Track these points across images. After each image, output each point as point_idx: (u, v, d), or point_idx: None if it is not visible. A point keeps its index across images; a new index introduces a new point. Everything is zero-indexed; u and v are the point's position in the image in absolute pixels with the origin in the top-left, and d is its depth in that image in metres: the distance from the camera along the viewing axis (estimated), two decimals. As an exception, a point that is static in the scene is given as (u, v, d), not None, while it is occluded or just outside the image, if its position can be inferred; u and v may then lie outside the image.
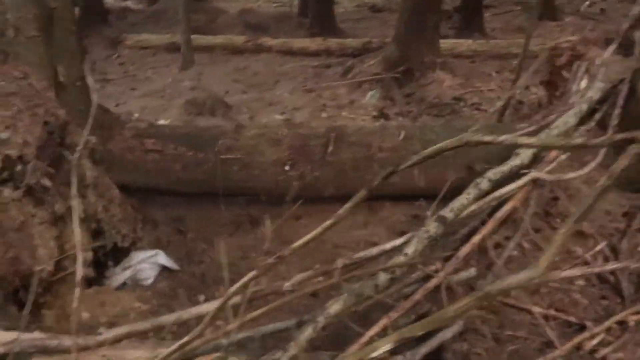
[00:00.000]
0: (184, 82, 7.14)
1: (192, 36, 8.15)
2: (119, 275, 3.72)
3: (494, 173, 3.06)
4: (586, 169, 3.38)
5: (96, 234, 3.48)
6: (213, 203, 4.11)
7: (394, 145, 3.85)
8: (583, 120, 3.78)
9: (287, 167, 3.79)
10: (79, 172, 3.26)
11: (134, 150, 3.73)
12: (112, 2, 11.75)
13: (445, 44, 7.18)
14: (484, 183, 2.98)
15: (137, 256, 3.83)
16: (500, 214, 2.95)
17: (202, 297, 3.62)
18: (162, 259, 3.81)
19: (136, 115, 5.95)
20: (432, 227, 2.65)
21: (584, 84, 4.14)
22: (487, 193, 3.06)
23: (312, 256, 3.69)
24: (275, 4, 11.93)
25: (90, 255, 3.33)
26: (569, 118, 3.65)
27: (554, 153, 3.38)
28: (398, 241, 2.88)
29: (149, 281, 3.74)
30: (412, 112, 5.65)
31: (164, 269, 3.86)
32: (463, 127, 4.20)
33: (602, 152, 3.47)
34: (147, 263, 3.77)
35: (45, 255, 2.91)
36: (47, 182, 2.95)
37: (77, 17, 9.91)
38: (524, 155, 3.25)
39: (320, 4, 9.43)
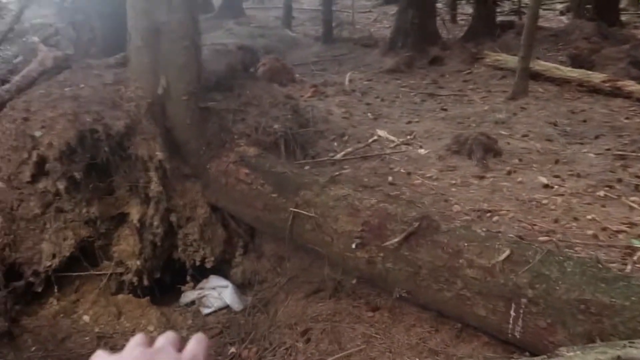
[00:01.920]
0: (498, 114, 6.77)
1: (551, 65, 7.63)
2: (189, 293, 4.05)
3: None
4: None
5: (155, 247, 3.86)
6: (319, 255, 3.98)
7: (490, 265, 2.89)
8: None
9: (354, 245, 3.32)
10: (143, 183, 3.67)
11: (229, 175, 3.90)
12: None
13: None
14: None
15: (213, 281, 4.07)
16: None
17: (231, 350, 3.65)
18: (228, 294, 3.95)
19: (405, 138, 6.01)
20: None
21: None
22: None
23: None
24: None
25: (136, 263, 3.73)
26: None
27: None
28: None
29: (207, 311, 3.96)
30: None
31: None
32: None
33: None
34: (217, 291, 3.97)
35: (49, 251, 3.43)
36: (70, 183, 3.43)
37: (469, 26, 10.44)
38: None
39: None
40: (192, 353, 0.77)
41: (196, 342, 0.79)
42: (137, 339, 0.79)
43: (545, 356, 2.16)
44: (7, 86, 4.12)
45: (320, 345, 3.39)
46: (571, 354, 2.13)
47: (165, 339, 0.79)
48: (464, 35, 10.09)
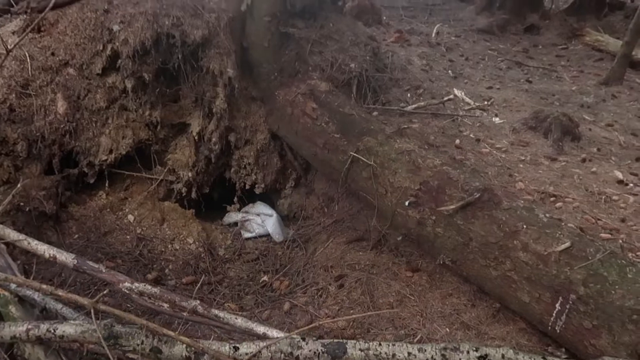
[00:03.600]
0: (586, 97, 6.36)
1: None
2: (233, 214, 4.04)
3: None
4: None
5: (209, 162, 3.85)
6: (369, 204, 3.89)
7: (546, 252, 2.72)
8: None
9: (406, 203, 3.19)
10: (209, 97, 3.62)
11: (295, 106, 3.79)
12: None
13: None
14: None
15: (258, 208, 4.04)
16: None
17: (263, 278, 3.64)
18: (271, 224, 3.92)
19: (482, 103, 5.76)
20: None
21: None
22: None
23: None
24: None
25: (188, 175, 3.74)
26: None
27: None
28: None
29: (248, 235, 3.95)
30: None
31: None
32: None
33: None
34: (261, 218, 3.94)
35: (107, 146, 3.46)
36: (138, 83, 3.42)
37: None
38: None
39: None
40: None
41: None
42: None
43: (586, 361, 2.03)
44: (94, -26, 4.08)
45: (353, 294, 3.33)
46: (615, 365, 1.99)
47: None
48: (568, 8, 9.45)
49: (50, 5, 2.96)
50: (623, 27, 9.06)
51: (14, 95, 3.49)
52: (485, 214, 2.99)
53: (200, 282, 3.31)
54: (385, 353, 2.06)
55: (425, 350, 2.02)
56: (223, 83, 3.63)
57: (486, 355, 2.01)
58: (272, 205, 4.26)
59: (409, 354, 2.04)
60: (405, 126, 4.00)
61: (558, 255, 2.74)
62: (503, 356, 2.01)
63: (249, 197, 4.20)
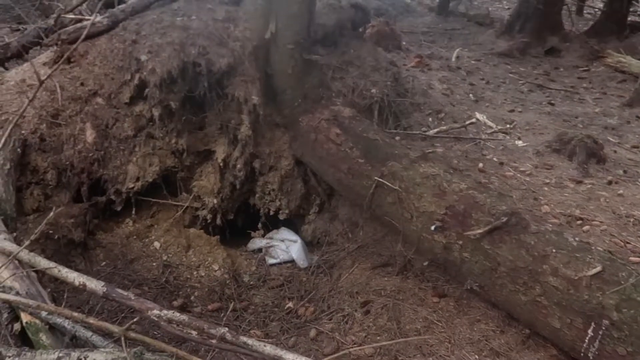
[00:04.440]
0: (609, 119, 6.31)
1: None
2: (257, 240, 4.04)
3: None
4: None
5: (234, 189, 3.88)
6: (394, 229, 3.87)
7: (576, 277, 2.67)
8: None
9: (432, 227, 3.16)
10: (234, 124, 3.65)
11: (319, 132, 3.80)
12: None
13: None
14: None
15: (283, 233, 4.04)
16: None
17: (288, 304, 3.62)
18: (296, 250, 3.92)
19: (504, 126, 5.74)
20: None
21: None
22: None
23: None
24: None
25: (213, 201, 3.76)
26: None
27: None
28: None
29: (272, 262, 3.95)
30: None
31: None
32: None
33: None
34: (285, 244, 3.94)
35: (134, 174, 3.51)
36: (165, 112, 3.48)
37: (596, 21, 9.83)
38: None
39: None
40: None
41: None
42: None
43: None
44: (123, 6, 4.17)
45: (379, 320, 3.29)
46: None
47: None
48: (589, 30, 9.44)
49: (83, 37, 3.03)
50: (645, 49, 8.98)
51: (44, 125, 3.56)
52: (513, 238, 2.96)
53: (228, 310, 3.30)
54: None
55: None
56: (248, 110, 3.68)
57: (520, 383, 1.97)
58: (296, 231, 4.25)
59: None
60: (430, 150, 3.99)
61: (589, 279, 2.69)
62: (537, 384, 1.97)
63: (272, 223, 4.22)
